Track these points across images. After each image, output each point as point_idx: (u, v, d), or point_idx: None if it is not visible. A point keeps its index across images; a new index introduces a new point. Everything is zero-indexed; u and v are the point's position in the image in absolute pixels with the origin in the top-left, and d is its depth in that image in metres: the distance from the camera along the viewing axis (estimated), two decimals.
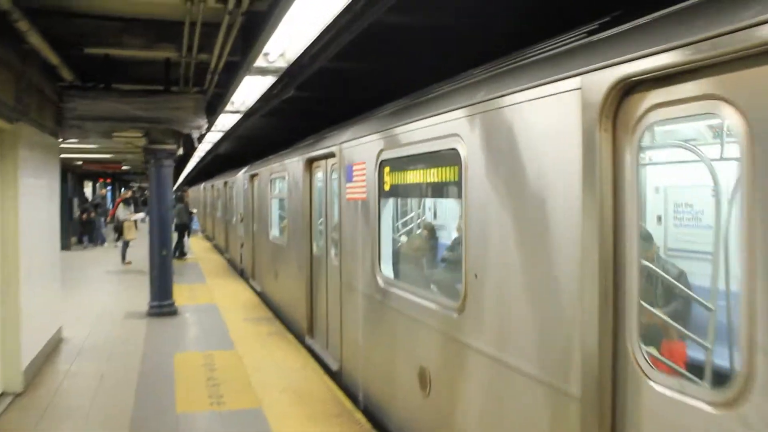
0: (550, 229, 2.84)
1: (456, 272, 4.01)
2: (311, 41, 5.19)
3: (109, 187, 37.06)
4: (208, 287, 13.22)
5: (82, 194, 29.09)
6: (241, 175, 14.84)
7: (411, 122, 4.51)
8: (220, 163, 24.91)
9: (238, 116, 9.67)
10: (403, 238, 7.06)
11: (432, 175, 4.35)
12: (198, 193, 33.11)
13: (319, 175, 7.69)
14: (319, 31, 4.96)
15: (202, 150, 17.47)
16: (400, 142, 4.76)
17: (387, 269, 5.28)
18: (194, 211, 26.91)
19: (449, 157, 3.92)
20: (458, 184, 3.78)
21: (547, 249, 2.86)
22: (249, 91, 7.55)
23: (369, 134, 5.43)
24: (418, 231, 8.41)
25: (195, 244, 24.24)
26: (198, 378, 6.67)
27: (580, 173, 2.58)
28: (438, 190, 4.57)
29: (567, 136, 2.68)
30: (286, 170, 9.32)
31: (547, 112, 2.87)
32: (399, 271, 5.51)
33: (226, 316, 10.06)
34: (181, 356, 7.57)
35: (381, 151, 5.13)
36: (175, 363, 7.24)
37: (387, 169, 5.10)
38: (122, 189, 40.28)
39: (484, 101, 3.46)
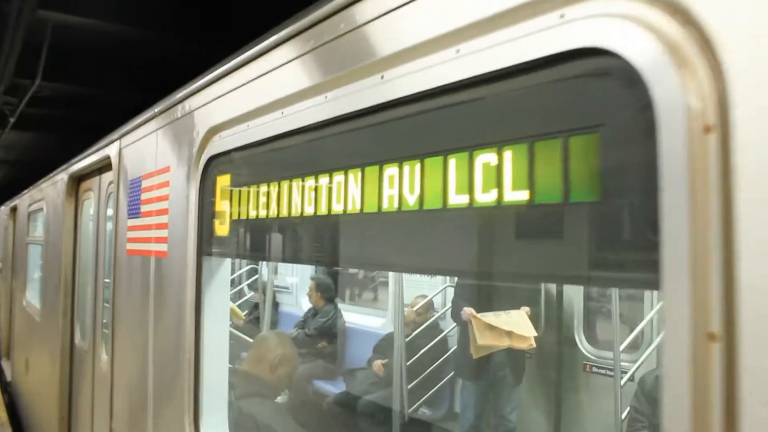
0: None
1: None
2: None
3: None
4: None
5: None
6: (3, 209, 10.74)
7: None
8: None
9: None
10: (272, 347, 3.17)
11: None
12: None
13: (90, 206, 4.47)
14: None
15: None
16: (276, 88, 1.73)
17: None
18: None
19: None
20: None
21: None
22: None
23: (179, 102, 2.42)
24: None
25: None
26: None
27: None
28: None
29: None
30: (44, 199, 5.89)
31: None
32: None
33: None
34: None
35: (210, 132, 2.08)
36: None
37: (224, 180, 2.04)
38: None
39: None
